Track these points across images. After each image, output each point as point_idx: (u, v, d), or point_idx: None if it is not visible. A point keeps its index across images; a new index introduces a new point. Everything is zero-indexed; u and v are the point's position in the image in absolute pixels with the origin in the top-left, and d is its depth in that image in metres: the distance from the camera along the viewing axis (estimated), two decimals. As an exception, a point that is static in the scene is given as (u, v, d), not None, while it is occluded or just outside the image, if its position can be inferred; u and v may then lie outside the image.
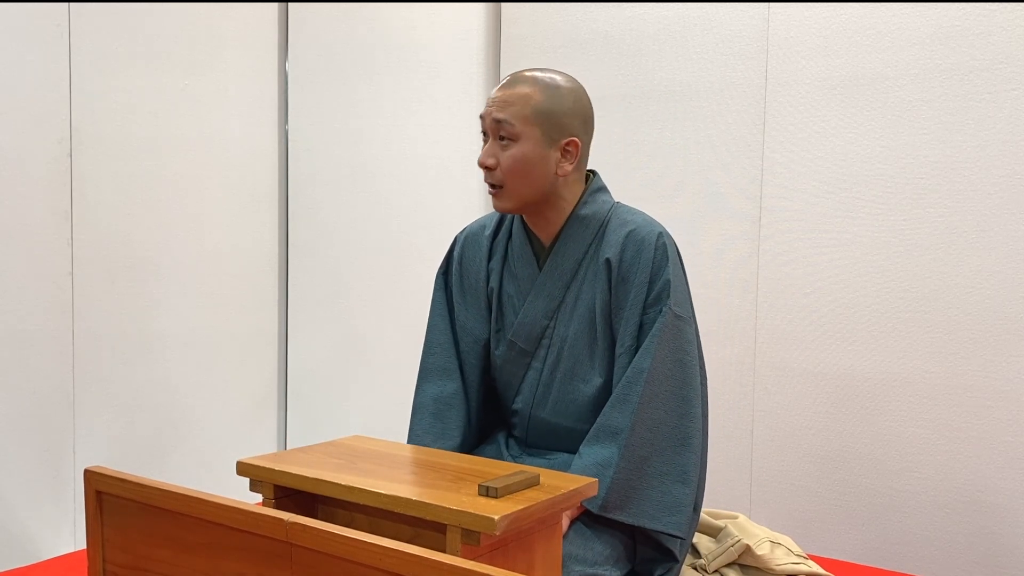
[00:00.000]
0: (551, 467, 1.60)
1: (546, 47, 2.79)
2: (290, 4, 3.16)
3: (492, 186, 1.59)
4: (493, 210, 1.69)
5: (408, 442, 1.70)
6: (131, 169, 2.67)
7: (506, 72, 2.86)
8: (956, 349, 2.17)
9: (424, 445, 1.64)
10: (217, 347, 2.95)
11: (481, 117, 1.61)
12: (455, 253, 1.78)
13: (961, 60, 2.15)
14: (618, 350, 1.58)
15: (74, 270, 2.52)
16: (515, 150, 1.56)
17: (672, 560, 1.57)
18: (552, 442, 1.67)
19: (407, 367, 3.04)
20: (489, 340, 1.73)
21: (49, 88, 2.45)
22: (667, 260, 1.56)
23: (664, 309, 1.54)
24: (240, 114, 3.02)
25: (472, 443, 1.72)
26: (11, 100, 2.36)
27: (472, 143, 2.92)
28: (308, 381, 3.20)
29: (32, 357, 2.42)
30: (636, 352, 1.55)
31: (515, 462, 1.66)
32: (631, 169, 2.60)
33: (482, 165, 1.59)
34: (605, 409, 1.55)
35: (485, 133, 1.61)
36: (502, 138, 1.57)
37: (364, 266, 3.11)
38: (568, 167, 1.60)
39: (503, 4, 2.89)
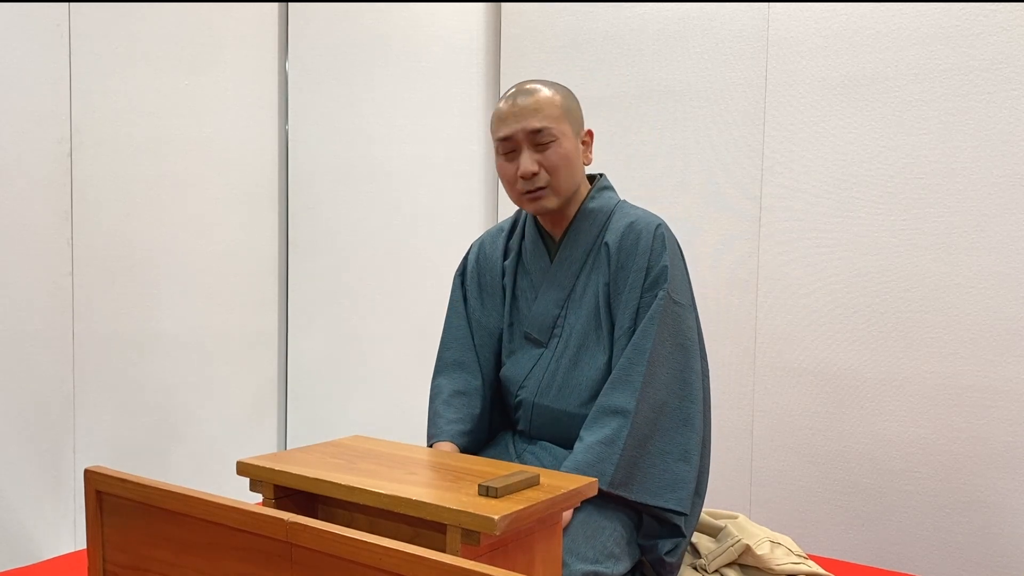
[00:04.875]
0: (555, 462, 1.62)
1: (546, 47, 2.79)
2: (290, 4, 3.16)
3: (535, 190, 1.64)
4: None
5: (428, 427, 1.75)
6: (131, 169, 2.67)
7: (506, 72, 2.86)
8: (956, 349, 2.17)
9: (442, 427, 1.70)
10: (217, 347, 2.95)
11: (504, 138, 1.64)
12: (472, 255, 1.86)
13: (961, 60, 2.15)
14: (616, 332, 1.63)
15: (74, 270, 2.51)
16: (559, 149, 1.63)
17: (679, 535, 1.60)
18: (554, 430, 1.70)
19: (407, 367, 3.05)
20: (502, 334, 1.79)
21: (49, 88, 2.45)
22: (665, 248, 1.63)
23: (661, 293, 1.60)
24: (240, 114, 3.02)
25: (484, 432, 1.77)
26: (11, 100, 2.36)
27: (471, 142, 2.92)
28: (308, 381, 3.20)
29: (32, 357, 2.42)
30: (634, 334, 1.60)
31: (519, 460, 1.68)
32: (632, 169, 2.61)
33: (527, 175, 1.62)
34: (605, 389, 1.59)
35: (511, 151, 1.65)
36: (539, 144, 1.62)
37: (364, 266, 3.11)
38: (590, 156, 1.72)
39: (503, 4, 2.89)
